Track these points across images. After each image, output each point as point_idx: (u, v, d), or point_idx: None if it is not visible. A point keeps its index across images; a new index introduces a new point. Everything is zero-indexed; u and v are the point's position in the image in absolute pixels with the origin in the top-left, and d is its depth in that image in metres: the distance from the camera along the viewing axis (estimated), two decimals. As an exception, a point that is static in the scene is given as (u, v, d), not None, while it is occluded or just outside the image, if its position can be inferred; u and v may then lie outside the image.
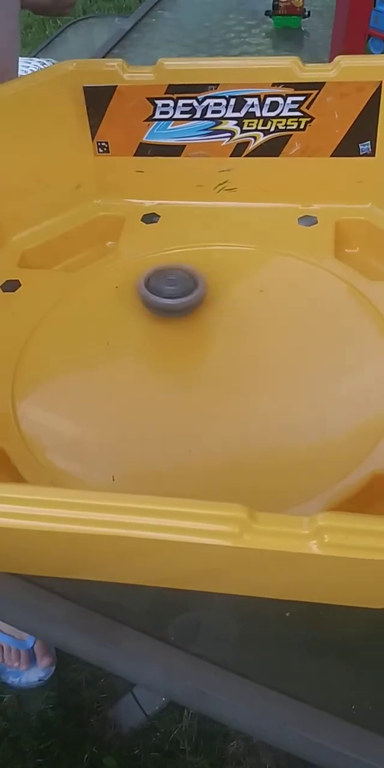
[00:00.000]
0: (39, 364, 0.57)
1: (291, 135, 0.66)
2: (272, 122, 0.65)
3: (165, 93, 0.65)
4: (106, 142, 0.69)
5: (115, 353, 0.58)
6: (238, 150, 0.67)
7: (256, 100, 0.64)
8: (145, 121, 0.67)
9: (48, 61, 1.39)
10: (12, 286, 0.64)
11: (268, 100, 0.64)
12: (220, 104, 0.65)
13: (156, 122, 0.67)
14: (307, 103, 0.64)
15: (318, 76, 0.63)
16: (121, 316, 0.60)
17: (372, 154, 0.65)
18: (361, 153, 0.65)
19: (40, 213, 0.69)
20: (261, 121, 0.65)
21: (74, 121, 0.68)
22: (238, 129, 0.66)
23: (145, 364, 0.57)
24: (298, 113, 0.64)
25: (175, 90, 0.65)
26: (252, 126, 0.66)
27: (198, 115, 0.66)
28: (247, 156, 0.67)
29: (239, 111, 0.65)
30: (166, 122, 0.67)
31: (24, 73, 0.81)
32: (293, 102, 0.64)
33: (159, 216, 0.70)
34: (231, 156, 0.68)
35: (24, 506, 0.33)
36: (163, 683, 0.43)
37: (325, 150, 0.66)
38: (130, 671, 0.44)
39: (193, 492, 0.37)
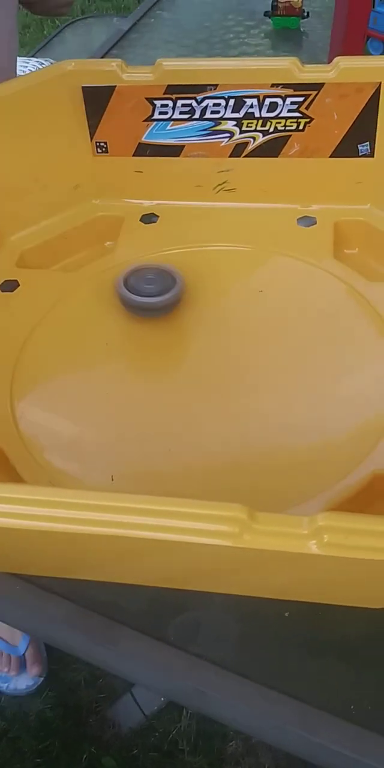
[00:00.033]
0: (37, 364, 0.56)
1: (290, 136, 0.66)
2: (271, 123, 0.65)
3: (164, 93, 0.65)
4: (105, 142, 0.69)
5: (114, 353, 0.58)
6: (237, 150, 0.67)
7: (255, 101, 0.64)
8: (144, 121, 0.67)
9: (46, 60, 1.39)
10: (10, 286, 0.64)
11: (267, 101, 0.64)
12: (219, 105, 0.65)
13: (155, 122, 0.67)
14: (306, 103, 0.64)
15: (317, 77, 0.63)
16: (120, 316, 0.60)
17: (371, 155, 0.65)
18: (360, 154, 0.65)
19: (39, 213, 0.69)
20: (260, 121, 0.65)
21: (73, 121, 0.68)
22: (237, 129, 0.66)
23: (144, 363, 0.57)
24: (297, 114, 0.65)
25: (174, 90, 0.65)
26: (251, 126, 0.66)
27: (197, 116, 0.66)
28: (246, 156, 0.67)
29: (238, 111, 0.65)
30: (165, 122, 0.67)
31: (22, 73, 0.81)
32: (292, 103, 0.64)
33: (158, 216, 0.70)
34: (230, 156, 0.68)
35: (23, 506, 0.33)
36: (163, 683, 0.43)
37: (324, 151, 0.66)
38: (129, 671, 0.44)
39: (192, 492, 0.37)
